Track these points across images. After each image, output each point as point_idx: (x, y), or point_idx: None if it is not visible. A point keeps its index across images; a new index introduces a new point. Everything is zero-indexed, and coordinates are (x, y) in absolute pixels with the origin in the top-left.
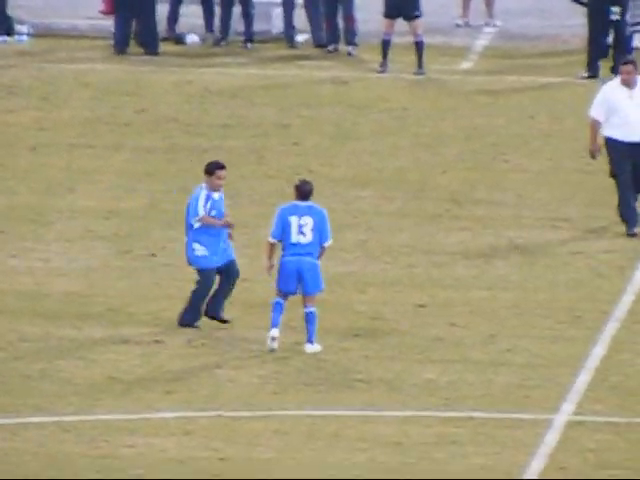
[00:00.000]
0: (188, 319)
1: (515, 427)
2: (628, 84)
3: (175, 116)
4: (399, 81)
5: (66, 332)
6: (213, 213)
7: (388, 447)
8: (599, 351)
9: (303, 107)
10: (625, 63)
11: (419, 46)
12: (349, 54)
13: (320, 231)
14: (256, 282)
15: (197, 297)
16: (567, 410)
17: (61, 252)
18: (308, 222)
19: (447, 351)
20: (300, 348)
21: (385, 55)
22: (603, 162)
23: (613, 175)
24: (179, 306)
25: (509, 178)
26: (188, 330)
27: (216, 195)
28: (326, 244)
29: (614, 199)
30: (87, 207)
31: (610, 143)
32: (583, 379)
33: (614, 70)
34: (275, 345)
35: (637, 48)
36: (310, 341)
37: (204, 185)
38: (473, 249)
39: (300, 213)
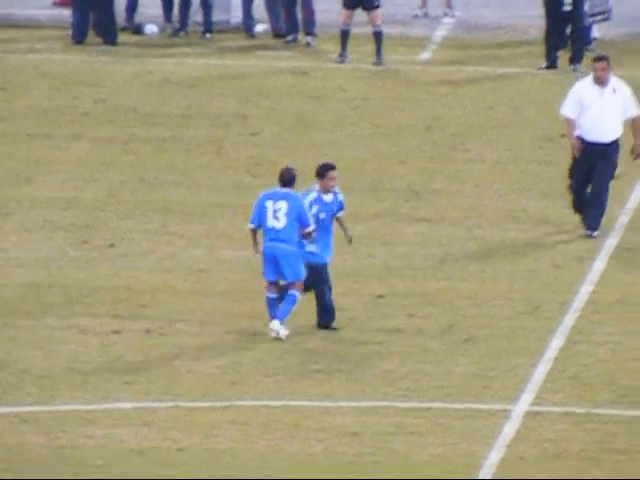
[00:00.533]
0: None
1: (474, 417)
2: (601, 82)
3: (134, 106)
4: (358, 71)
5: (24, 322)
6: (322, 216)
7: (346, 437)
8: (558, 342)
9: (262, 97)
10: (599, 59)
11: (378, 36)
12: (308, 44)
13: (298, 216)
14: (214, 272)
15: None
16: (526, 400)
17: (19, 242)
18: (282, 207)
19: (406, 342)
20: (260, 338)
21: (344, 45)
22: (562, 154)
23: (572, 175)
24: (137, 296)
25: (468, 169)
26: (146, 321)
27: (327, 197)
28: (308, 229)
29: (563, 194)
30: (45, 197)
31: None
32: (542, 370)
33: (572, 60)
34: (276, 335)
35: (596, 39)
36: (280, 318)
37: (316, 187)
38: (432, 240)
39: (276, 198)
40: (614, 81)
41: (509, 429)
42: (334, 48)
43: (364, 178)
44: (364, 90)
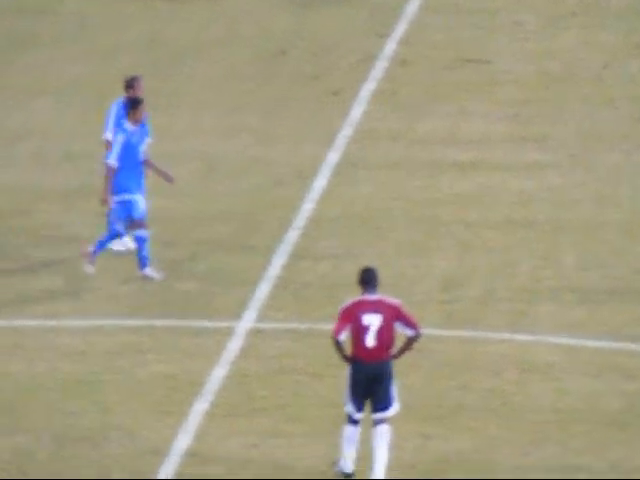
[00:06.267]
0: None
1: (197, 335)
2: None
3: None
4: None
5: None
6: None
7: (72, 357)
8: (280, 259)
9: None
10: None
11: None
12: None
13: None
14: None
15: None
16: (249, 318)
17: None
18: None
19: (130, 262)
20: None
21: None
22: (278, 70)
23: None
24: None
25: (188, 86)
26: None
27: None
28: None
29: (285, 110)
30: None
31: None
32: (265, 287)
33: None
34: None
35: None
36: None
37: None
38: (153, 155)
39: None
40: None
41: (233, 346)
42: None
43: (84, 94)
44: (84, 7)
